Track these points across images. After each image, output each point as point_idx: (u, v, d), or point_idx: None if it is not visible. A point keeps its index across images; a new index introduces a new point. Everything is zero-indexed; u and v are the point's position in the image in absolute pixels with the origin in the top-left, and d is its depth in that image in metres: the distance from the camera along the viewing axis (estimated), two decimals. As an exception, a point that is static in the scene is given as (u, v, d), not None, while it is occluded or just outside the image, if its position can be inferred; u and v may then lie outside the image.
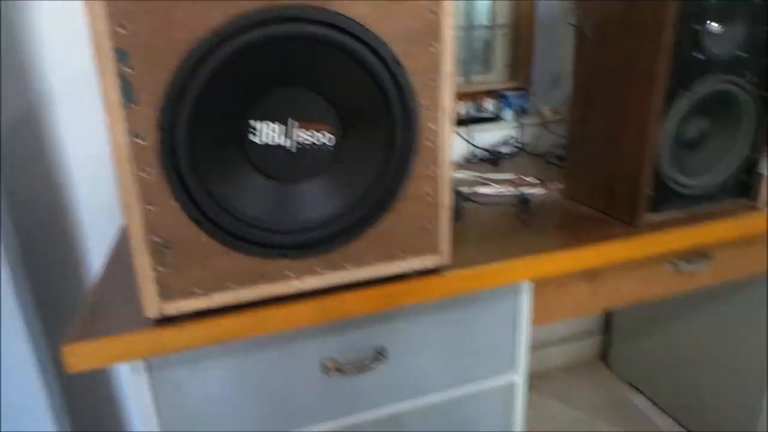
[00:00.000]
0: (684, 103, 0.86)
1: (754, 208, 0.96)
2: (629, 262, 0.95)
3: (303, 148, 0.65)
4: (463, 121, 1.38)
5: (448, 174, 0.71)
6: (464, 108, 1.39)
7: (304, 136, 0.64)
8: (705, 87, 0.86)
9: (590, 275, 0.93)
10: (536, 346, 1.77)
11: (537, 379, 1.75)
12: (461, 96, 1.39)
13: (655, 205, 0.90)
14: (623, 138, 0.90)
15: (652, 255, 0.88)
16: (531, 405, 1.64)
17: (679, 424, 1.52)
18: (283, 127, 0.63)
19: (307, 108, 0.63)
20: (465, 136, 1.38)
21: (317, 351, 0.77)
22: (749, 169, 0.93)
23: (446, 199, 0.72)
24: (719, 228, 0.92)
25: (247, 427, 0.78)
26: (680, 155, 0.90)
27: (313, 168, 0.66)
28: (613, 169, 0.93)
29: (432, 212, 0.71)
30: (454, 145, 1.37)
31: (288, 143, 0.64)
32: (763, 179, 0.96)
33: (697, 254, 1.00)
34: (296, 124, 0.63)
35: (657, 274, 0.99)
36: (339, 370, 0.79)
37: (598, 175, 0.97)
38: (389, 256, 0.72)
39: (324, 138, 0.65)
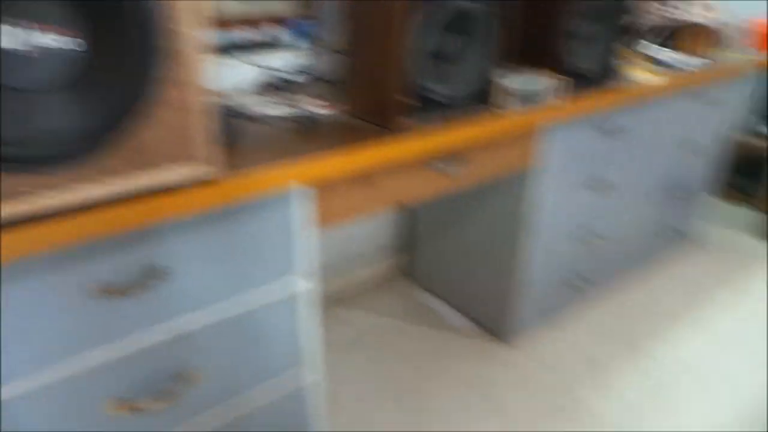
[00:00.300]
0: (423, 18, 0.95)
1: (491, 112, 1.12)
2: (399, 166, 1.05)
3: (48, 54, 0.61)
4: (246, 46, 1.37)
5: (200, 79, 0.71)
6: (249, 33, 1.38)
7: (43, 39, 0.60)
8: (443, 4, 0.96)
9: (366, 179, 1.02)
10: (344, 266, 1.88)
11: (345, 296, 1.88)
12: (245, 21, 1.37)
13: (414, 112, 1.00)
14: (379, 52, 0.98)
15: (409, 156, 0.99)
16: (335, 318, 1.77)
17: (468, 317, 1.76)
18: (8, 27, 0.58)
19: (39, 9, 0.59)
20: (250, 60, 1.37)
21: (86, 273, 0.75)
22: (487, 78, 1.08)
23: (200, 106, 0.72)
24: (465, 130, 1.06)
25: (21, 365, 0.74)
26: (435, 67, 1.01)
27: (57, 74, 0.62)
28: (376, 82, 1.01)
29: (187, 119, 0.72)
30: (234, 68, 1.36)
31: (25, 47, 0.59)
32: (498, 87, 1.11)
33: (454, 156, 1.14)
34: (24, 25, 0.59)
35: (423, 176, 1.11)
36: (112, 291, 0.77)
37: (367, 90, 1.04)
38: (147, 166, 0.71)
39: (67, 42, 0.62)
